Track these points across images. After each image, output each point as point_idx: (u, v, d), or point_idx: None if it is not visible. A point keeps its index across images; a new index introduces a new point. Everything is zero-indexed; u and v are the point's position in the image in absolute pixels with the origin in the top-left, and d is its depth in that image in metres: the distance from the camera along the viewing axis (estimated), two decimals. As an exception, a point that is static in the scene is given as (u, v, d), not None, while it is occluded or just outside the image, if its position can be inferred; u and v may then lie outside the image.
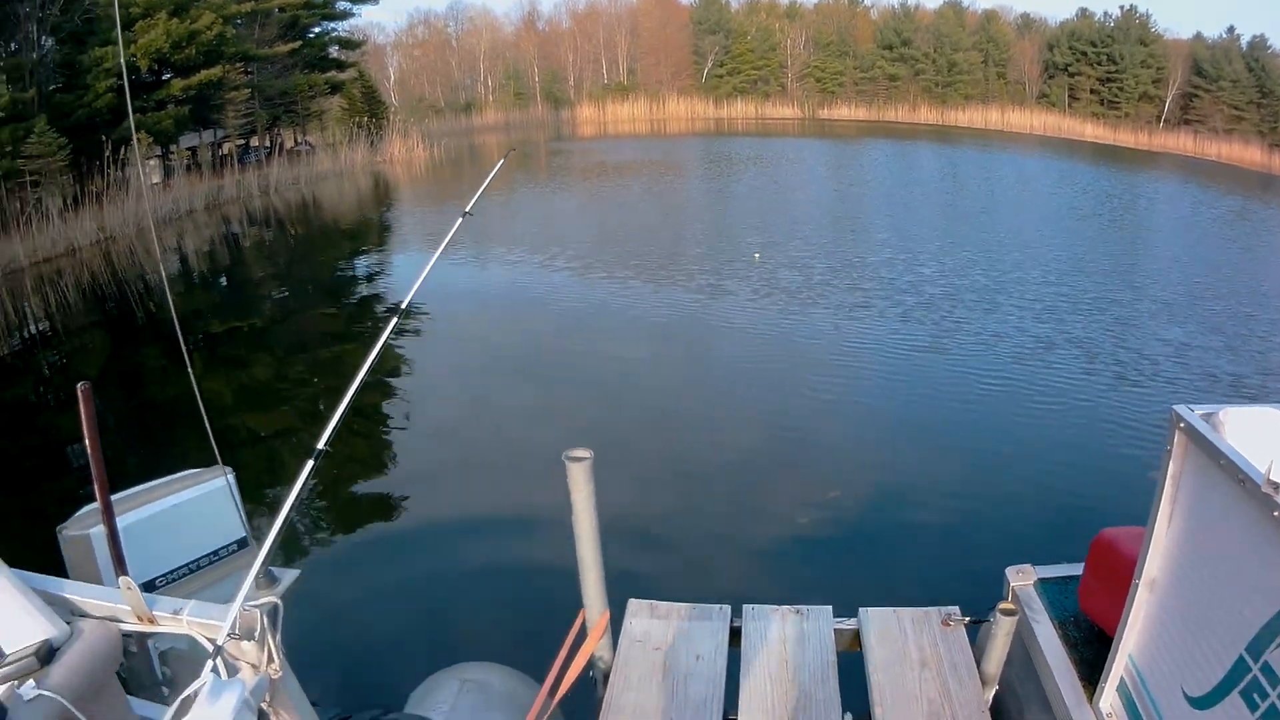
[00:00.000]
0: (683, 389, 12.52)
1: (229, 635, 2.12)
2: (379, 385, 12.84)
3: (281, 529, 2.50)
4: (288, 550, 7.79)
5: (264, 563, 2.44)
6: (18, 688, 2.00)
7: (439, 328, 16.13)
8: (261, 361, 15.53)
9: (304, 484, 2.64)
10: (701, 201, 29.78)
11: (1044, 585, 5.04)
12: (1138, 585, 3.66)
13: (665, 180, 39.00)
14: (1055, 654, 4.52)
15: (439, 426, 11.66)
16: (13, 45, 32.66)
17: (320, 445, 2.78)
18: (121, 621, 2.30)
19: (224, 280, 24.41)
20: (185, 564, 4.38)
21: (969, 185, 36.89)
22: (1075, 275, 18.52)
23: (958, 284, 17.15)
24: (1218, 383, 12.37)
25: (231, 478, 4.25)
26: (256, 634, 2.14)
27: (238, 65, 39.88)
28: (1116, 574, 4.16)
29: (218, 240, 30.47)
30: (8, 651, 2.08)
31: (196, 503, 4.42)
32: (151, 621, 2.27)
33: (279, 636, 2.21)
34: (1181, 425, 3.30)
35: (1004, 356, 13.26)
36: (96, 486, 2.98)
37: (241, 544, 4.56)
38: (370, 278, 22.06)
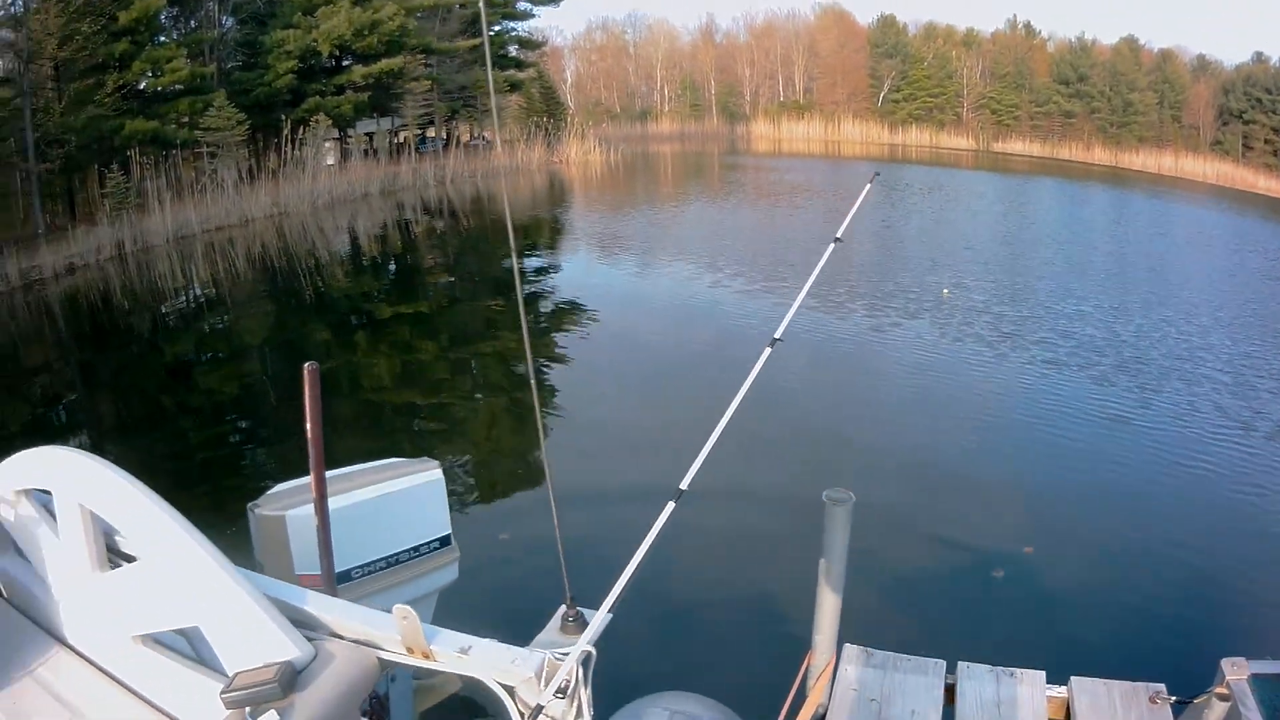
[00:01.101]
0: (878, 426, 11.51)
1: (547, 689, 1.91)
2: (597, 397, 11.87)
3: (629, 580, 2.25)
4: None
5: (571, 602, 2.34)
6: (255, 719, 1.77)
7: (632, 338, 15.01)
8: (425, 348, 14.97)
9: (659, 529, 2.42)
10: (880, 229, 27.60)
11: (1258, 681, 4.60)
12: None
13: (843, 204, 36.97)
14: None
15: (648, 443, 10.38)
16: (193, 22, 33.37)
17: (683, 486, 2.61)
18: (381, 650, 2.02)
19: (393, 265, 24.02)
20: (384, 557, 4.26)
21: (1148, 235, 33.53)
22: (1270, 347, 16.04)
23: (1145, 346, 14.88)
24: None
25: (440, 473, 4.27)
26: (569, 687, 1.91)
27: (418, 57, 39.76)
28: None
29: (390, 225, 30.18)
30: (242, 669, 1.86)
31: (405, 495, 4.30)
32: (427, 656, 1.99)
33: (589, 691, 1.94)
34: None
35: (1202, 433, 11.52)
36: (313, 472, 3.20)
37: (444, 542, 4.46)
38: (538, 276, 20.77)
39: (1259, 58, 67.42)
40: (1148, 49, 73.33)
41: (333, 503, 3.61)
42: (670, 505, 2.49)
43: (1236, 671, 4.65)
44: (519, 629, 2.32)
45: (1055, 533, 8.73)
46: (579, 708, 1.93)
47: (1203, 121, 67.98)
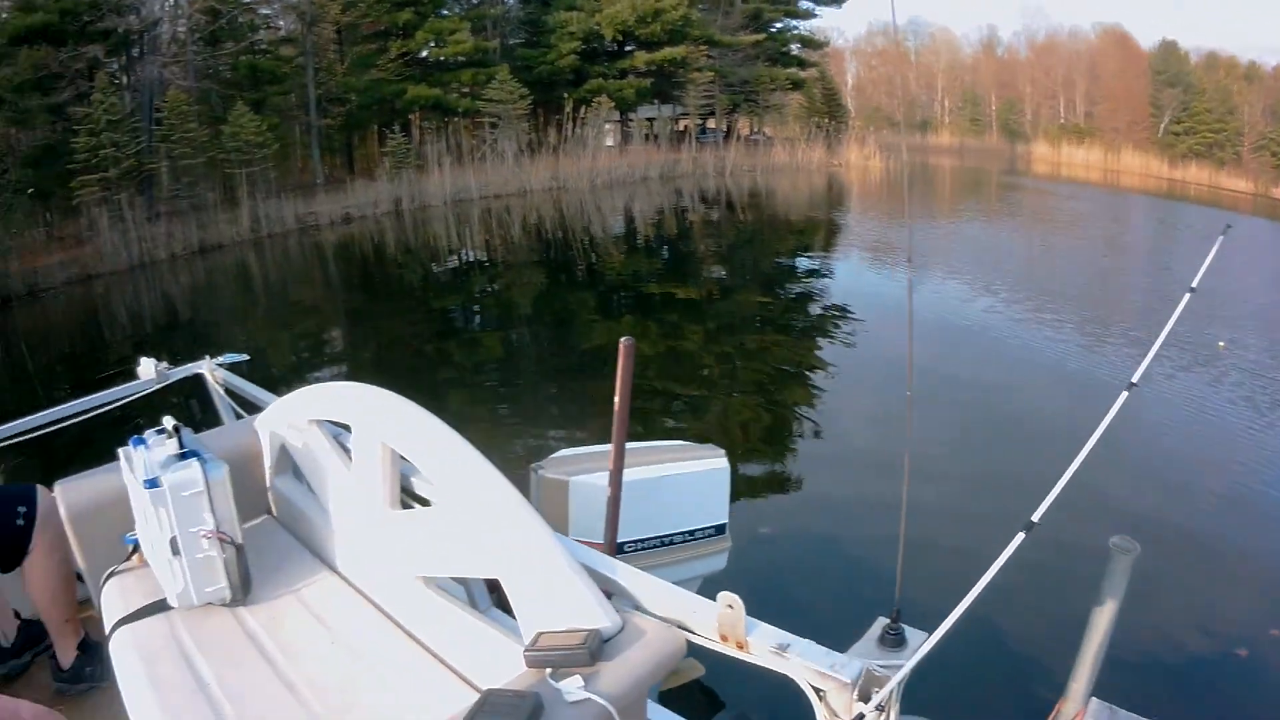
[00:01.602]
0: (1151, 477, 9.84)
1: (855, 695, 1.77)
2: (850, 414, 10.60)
3: (965, 610, 1.91)
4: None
5: (896, 617, 2.24)
6: (556, 681, 1.71)
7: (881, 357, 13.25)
8: (691, 334, 14.18)
9: (1006, 559, 2.12)
10: (1159, 270, 24.68)
11: None
12: None
13: (1123, 240, 34.28)
14: None
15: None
16: None
17: (1034, 518, 2.36)
18: (691, 632, 1.92)
19: (666, 249, 23.08)
20: (659, 535, 4.29)
21: None
22: None
23: None
24: None
25: (726, 462, 4.34)
26: (882, 701, 1.74)
27: (701, 48, 39.05)
28: None
29: (666, 210, 29.27)
30: (543, 630, 1.85)
31: (690, 479, 4.34)
32: (741, 647, 1.88)
33: (898, 708, 1.80)
34: None
35: None
36: (614, 443, 3.40)
37: (719, 530, 4.46)
38: (808, 278, 19.38)
39: None
40: None
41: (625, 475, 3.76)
42: (1020, 536, 2.22)
43: None
44: (788, 626, 1.91)
45: None
46: None
47: None
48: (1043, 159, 67.59)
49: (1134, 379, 3.15)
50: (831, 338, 13.67)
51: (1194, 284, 3.66)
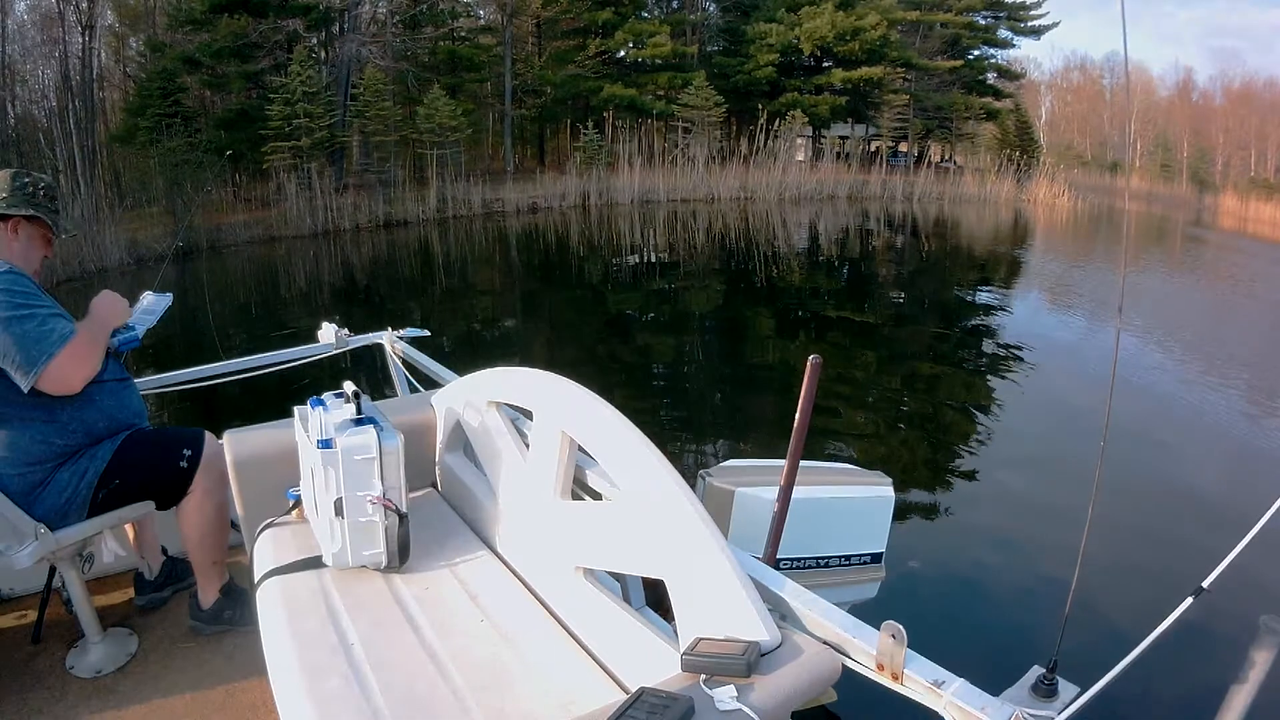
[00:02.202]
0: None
1: None
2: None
3: (1122, 670, 1.84)
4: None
5: (1053, 667, 1.90)
6: (710, 689, 1.70)
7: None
8: (864, 358, 13.59)
9: (1169, 626, 1.92)
10: None
11: None
12: None
13: None
14: None
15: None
16: (675, 3, 34.17)
17: (1204, 584, 2.05)
18: (848, 656, 1.87)
19: (846, 269, 22.26)
20: (816, 556, 4.23)
21: None
22: None
23: None
24: None
25: (891, 491, 4.27)
26: None
27: (898, 69, 38.46)
28: None
29: (851, 230, 28.50)
30: (702, 635, 1.84)
31: (855, 504, 4.31)
32: (896, 678, 1.81)
33: None
34: None
35: None
36: (788, 458, 3.25)
37: (875, 558, 4.35)
38: (986, 313, 18.38)
39: None
40: None
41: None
42: (1188, 601, 2.00)
43: None
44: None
45: None
46: None
47: None
48: (1230, 213, 64.66)
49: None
50: (1005, 377, 12.81)
51: None
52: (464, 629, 2.12)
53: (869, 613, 3.57)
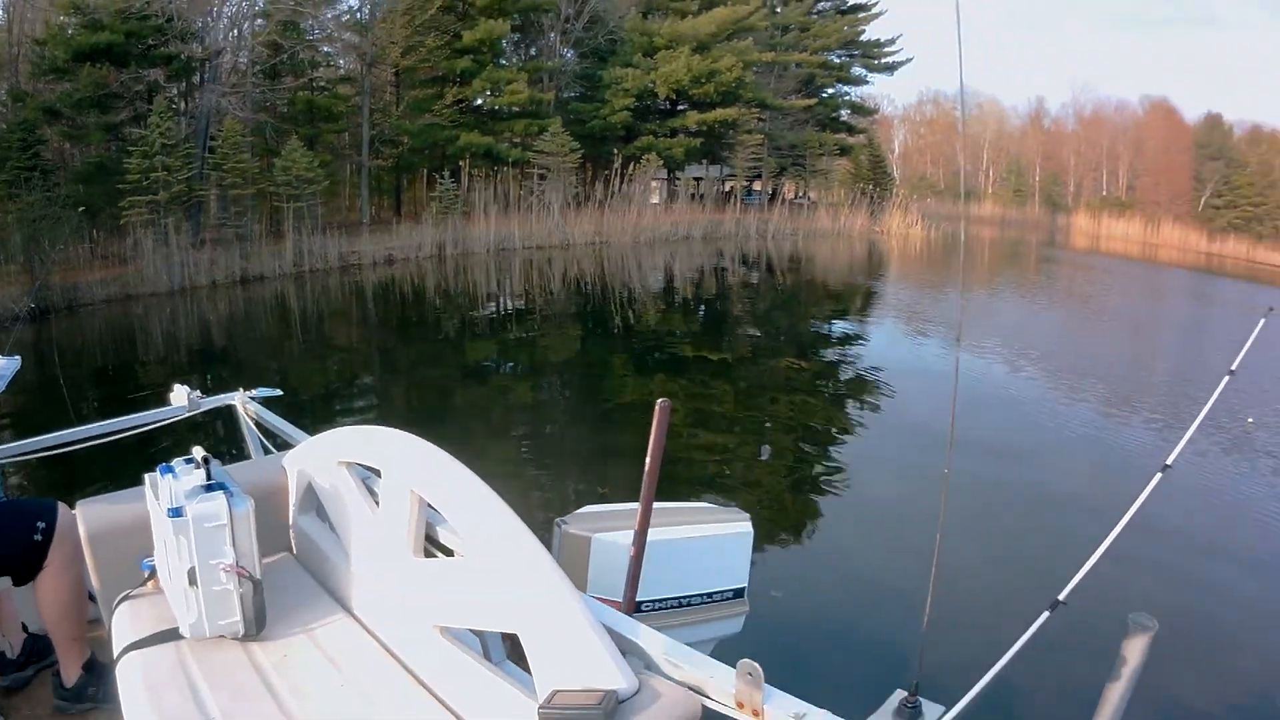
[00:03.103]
0: (1174, 551, 9.67)
1: None
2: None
3: (984, 687, 2.06)
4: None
5: (914, 690, 2.04)
6: None
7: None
8: (723, 395, 14.30)
9: (1029, 639, 2.24)
10: (1194, 350, 24.63)
11: None
12: None
13: (1160, 316, 34.15)
14: None
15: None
16: (534, 50, 34.58)
17: (1061, 597, 2.48)
18: (707, 697, 1.92)
19: (703, 309, 23.21)
20: (677, 596, 4.22)
21: None
22: None
23: None
24: None
25: (749, 526, 4.30)
26: None
27: (753, 110, 39.50)
28: None
29: (706, 270, 29.48)
30: (559, 688, 1.86)
31: (713, 542, 4.30)
32: (758, 715, 1.85)
33: None
34: None
35: None
36: (641, 503, 3.27)
37: (738, 594, 4.37)
38: (843, 344, 19.59)
39: None
40: None
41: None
42: (1045, 615, 2.35)
43: None
44: (801, 694, 1.93)
45: None
46: None
47: None
48: (1083, 231, 68.11)
49: (1168, 461, 3.19)
50: (863, 405, 13.75)
51: (1233, 367, 3.73)
52: (323, 694, 2.12)
53: (735, 647, 3.97)
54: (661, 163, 35.74)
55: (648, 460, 3.09)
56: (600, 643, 1.88)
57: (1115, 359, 20.19)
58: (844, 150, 48.11)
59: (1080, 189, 74.04)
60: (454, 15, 28.47)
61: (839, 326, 22.19)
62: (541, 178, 29.37)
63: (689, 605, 4.28)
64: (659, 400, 3.03)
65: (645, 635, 2.04)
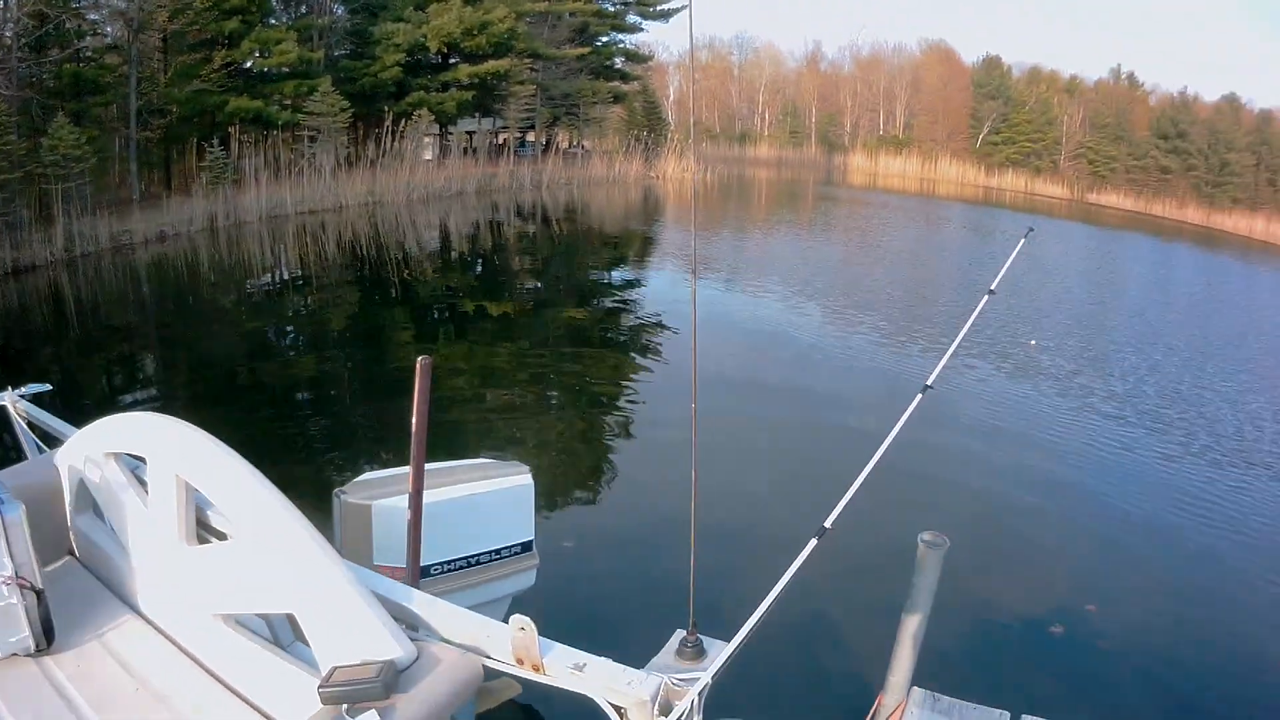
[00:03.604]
0: (937, 471, 10.63)
1: (657, 712, 1.85)
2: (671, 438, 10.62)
3: (760, 617, 2.12)
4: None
5: (693, 628, 2.28)
6: (352, 717, 1.71)
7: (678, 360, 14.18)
8: (502, 350, 14.65)
9: (798, 566, 2.35)
10: (969, 277, 26.90)
11: None
12: None
13: (934, 245, 36.36)
14: None
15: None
16: (304, 8, 33.99)
17: (826, 524, 2.60)
18: (489, 657, 1.98)
19: (481, 264, 23.79)
20: (465, 556, 4.28)
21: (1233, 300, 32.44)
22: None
23: (1215, 413, 14.13)
24: None
25: (529, 479, 4.33)
26: (684, 714, 1.83)
27: (525, 61, 39.87)
28: None
29: (482, 225, 30.09)
30: (339, 664, 1.83)
31: (493, 497, 4.31)
32: (539, 669, 1.93)
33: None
34: None
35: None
36: (412, 465, 3.34)
37: (526, 547, 4.47)
38: (622, 290, 20.66)
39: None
40: (1249, 109, 71.33)
41: (426, 497, 3.75)
42: (812, 543, 2.44)
43: None
44: (594, 642, 2.10)
45: (1121, 595, 8.35)
46: None
47: (1300, 187, 65.53)
48: (860, 170, 71.04)
49: (929, 381, 3.35)
50: (642, 351, 14.49)
51: (992, 287, 3.91)
52: (120, 702, 2.05)
53: (530, 601, 4.44)
54: (433, 118, 35.83)
55: (414, 420, 3.14)
56: (374, 615, 1.90)
57: (888, 289, 22.01)
58: (618, 98, 49.15)
59: (857, 129, 76.86)
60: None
61: (617, 274, 23.16)
62: (312, 140, 29.22)
63: (479, 564, 4.34)
64: (420, 358, 3.11)
65: (421, 602, 2.07)
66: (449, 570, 4.20)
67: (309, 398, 11.77)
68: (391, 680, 1.79)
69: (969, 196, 61.09)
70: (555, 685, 1.96)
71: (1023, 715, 5.01)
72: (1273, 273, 40.12)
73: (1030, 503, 10.07)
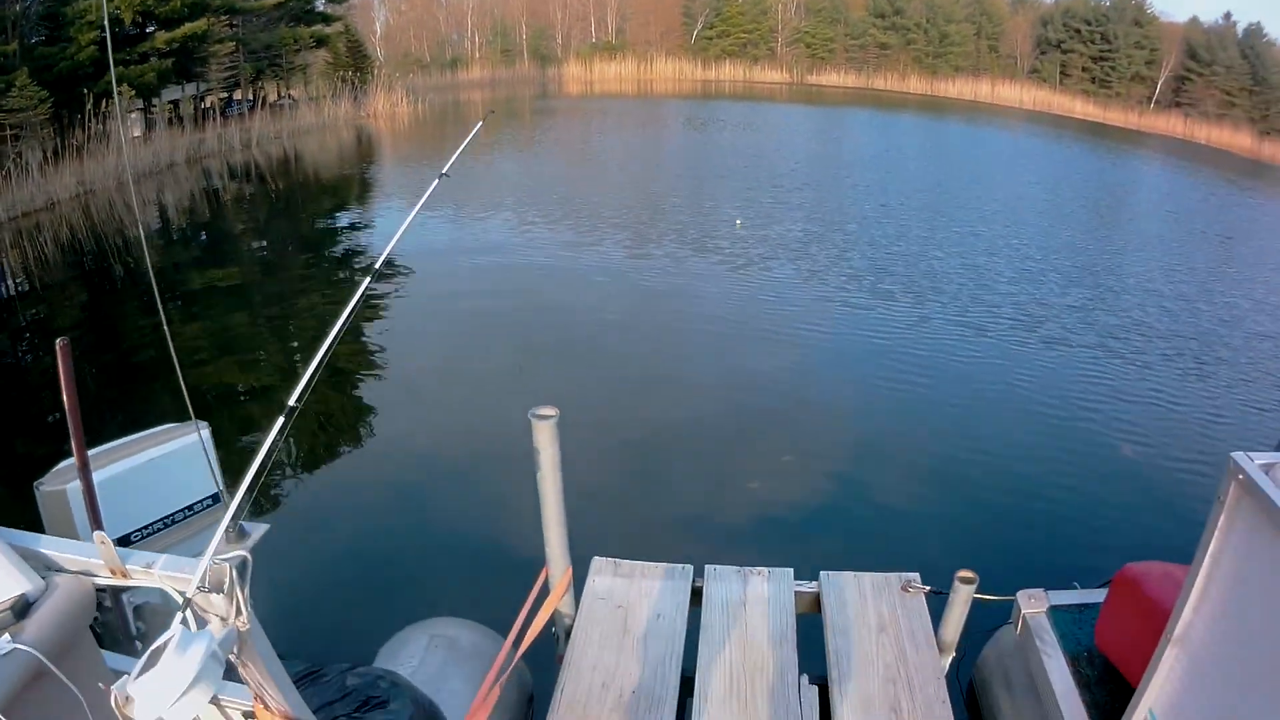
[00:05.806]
0: (651, 353, 12.59)
1: (198, 588, 2.08)
2: (352, 343, 12.82)
3: (253, 485, 2.50)
4: (259, 506, 7.81)
5: (234, 517, 2.43)
6: None
7: (414, 287, 16.13)
8: (239, 317, 15.35)
9: (275, 441, 2.63)
10: (685, 167, 29.41)
11: (1056, 613, 4.84)
12: (1170, 638, 3.34)
13: (649, 143, 38.76)
14: (1066, 692, 4.33)
15: (411, 384, 11.75)
16: None
17: (291, 402, 2.76)
18: (95, 576, 2.25)
19: (203, 234, 23.93)
20: (160, 519, 4.48)
21: (954, 158, 36.78)
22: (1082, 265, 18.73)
23: (947, 264, 17.47)
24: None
25: (206, 433, 4.30)
26: (225, 587, 2.10)
27: (223, 18, 39.19)
28: (1141, 613, 3.97)
29: (198, 194, 30.04)
30: None
31: (171, 458, 4.50)
32: (124, 575, 2.21)
33: (248, 590, 2.16)
34: (1239, 477, 2.93)
35: (961, 338, 13.26)
36: (74, 442, 3.21)
37: (215, 499, 4.65)
38: (349, 233, 21.85)
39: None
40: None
41: (107, 472, 4.10)
42: (280, 420, 2.72)
43: (1034, 605, 4.88)
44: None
45: (827, 443, 9.30)
46: (237, 605, 2.14)
47: (1020, 52, 72.25)
48: (576, 79, 72.23)
49: (377, 264, 3.63)
50: (374, 292, 14.01)
51: (444, 170, 3.93)
52: None
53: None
54: (135, 93, 34.95)
55: (65, 402, 3.16)
56: (2, 557, 2.12)
57: (612, 199, 24.30)
58: (320, 41, 48.50)
59: (569, 39, 77.86)
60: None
61: (341, 220, 24.45)
62: (15, 138, 28.16)
63: (175, 523, 4.57)
64: (58, 340, 3.11)
65: (49, 543, 2.29)
66: (149, 534, 4.45)
67: (44, 409, 11.20)
68: (22, 609, 2.07)
69: (686, 92, 63.88)
70: (139, 584, 2.25)
71: (706, 565, 5.48)
72: (995, 129, 44.60)
73: (644, 371, 11.60)
